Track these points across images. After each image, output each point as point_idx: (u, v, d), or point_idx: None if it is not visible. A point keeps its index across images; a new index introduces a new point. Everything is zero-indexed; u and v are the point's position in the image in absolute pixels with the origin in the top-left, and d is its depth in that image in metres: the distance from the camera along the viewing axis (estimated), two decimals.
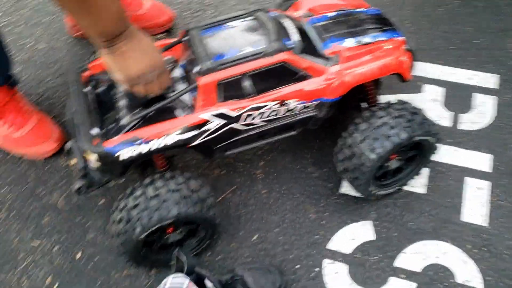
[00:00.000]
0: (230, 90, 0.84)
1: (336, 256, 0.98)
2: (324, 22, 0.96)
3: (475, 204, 1.03)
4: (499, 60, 1.30)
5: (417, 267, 0.95)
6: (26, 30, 1.51)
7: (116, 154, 0.82)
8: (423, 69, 1.29)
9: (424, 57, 1.31)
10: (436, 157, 1.07)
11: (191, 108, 0.87)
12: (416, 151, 0.99)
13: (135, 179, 1.03)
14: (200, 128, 0.86)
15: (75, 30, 1.45)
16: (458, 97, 1.23)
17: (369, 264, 0.96)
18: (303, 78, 0.87)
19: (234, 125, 0.88)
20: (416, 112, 0.92)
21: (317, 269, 0.96)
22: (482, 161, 1.10)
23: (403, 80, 0.96)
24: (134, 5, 1.41)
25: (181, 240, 0.94)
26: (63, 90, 1.33)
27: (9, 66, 1.16)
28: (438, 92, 1.24)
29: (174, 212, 0.82)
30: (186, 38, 0.89)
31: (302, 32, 0.91)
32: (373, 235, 1.00)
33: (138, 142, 0.82)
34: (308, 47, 0.89)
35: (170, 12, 1.47)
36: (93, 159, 0.83)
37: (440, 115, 1.19)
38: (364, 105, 1.03)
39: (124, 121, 0.86)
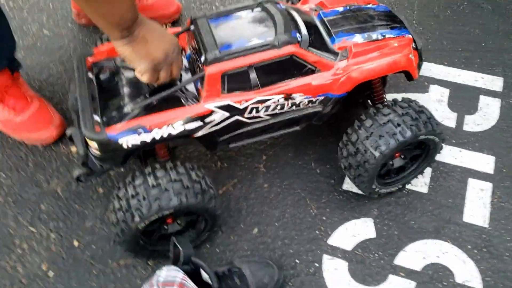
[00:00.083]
0: (236, 81, 0.83)
1: (336, 252, 0.98)
2: (334, 17, 0.95)
3: (477, 205, 1.03)
4: (505, 62, 1.30)
5: (417, 266, 0.95)
6: (31, 16, 1.50)
7: (120, 142, 0.81)
8: (429, 69, 1.29)
9: (430, 57, 1.31)
10: (439, 157, 1.06)
11: (196, 98, 0.86)
12: (420, 150, 0.98)
13: (136, 169, 1.03)
14: (205, 119, 0.85)
15: (81, 17, 1.43)
16: (463, 99, 1.23)
17: (369, 261, 0.96)
18: (310, 72, 0.87)
19: (238, 117, 0.87)
20: (422, 110, 0.92)
21: (316, 265, 0.96)
22: (485, 162, 1.10)
23: (410, 79, 0.96)
24: None
25: (180, 231, 0.94)
26: (66, 77, 1.32)
27: (14, 50, 1.15)
28: (443, 93, 1.24)
29: (175, 202, 0.81)
30: (193, 27, 0.88)
31: (311, 26, 0.90)
32: (374, 233, 1.00)
33: (142, 130, 0.81)
34: (316, 41, 0.88)
35: (177, 3, 1.45)
36: (95, 146, 0.82)
37: (444, 116, 1.19)
38: (370, 102, 1.03)
39: (127, 109, 0.85)
